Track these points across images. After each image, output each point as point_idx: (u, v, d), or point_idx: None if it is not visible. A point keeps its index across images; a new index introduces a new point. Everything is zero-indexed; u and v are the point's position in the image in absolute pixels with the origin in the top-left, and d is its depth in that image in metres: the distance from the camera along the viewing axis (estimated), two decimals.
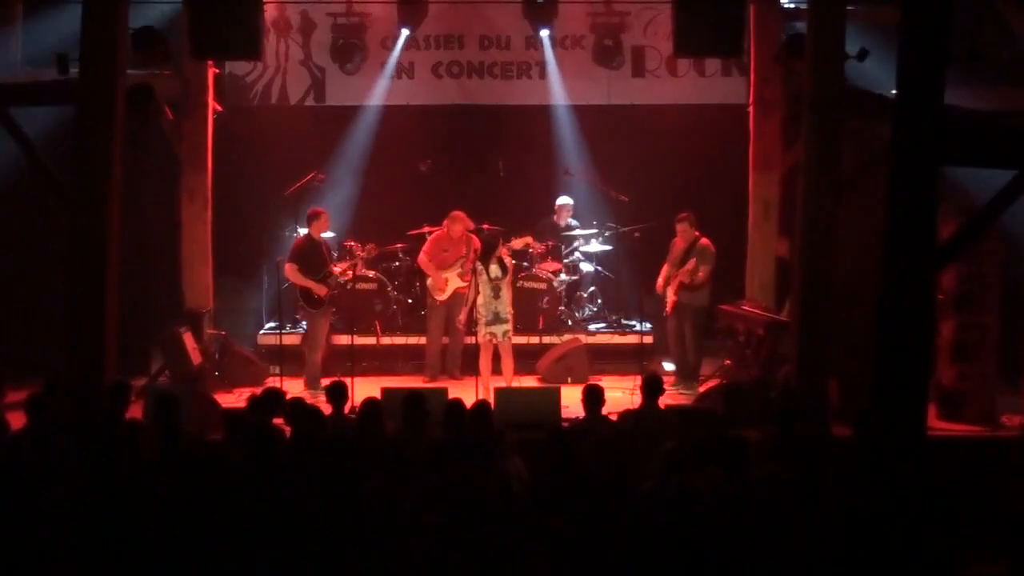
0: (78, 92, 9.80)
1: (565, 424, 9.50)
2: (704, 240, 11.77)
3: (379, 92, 13.43)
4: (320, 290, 11.58)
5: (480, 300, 11.20)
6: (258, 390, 9.78)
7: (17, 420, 8.39)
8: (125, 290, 10.36)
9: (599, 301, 13.43)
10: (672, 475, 6.84)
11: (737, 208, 12.36)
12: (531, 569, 6.69)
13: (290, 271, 11.63)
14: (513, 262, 11.58)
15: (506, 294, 11.19)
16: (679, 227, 11.87)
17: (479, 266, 11.23)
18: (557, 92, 13.44)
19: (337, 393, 8.82)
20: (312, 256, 11.66)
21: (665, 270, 11.90)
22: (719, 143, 13.02)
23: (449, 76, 13.62)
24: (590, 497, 7.29)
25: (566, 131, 13.69)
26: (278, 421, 8.61)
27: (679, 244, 11.89)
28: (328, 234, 12.17)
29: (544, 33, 13.08)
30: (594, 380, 11.49)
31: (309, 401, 9.26)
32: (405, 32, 13.10)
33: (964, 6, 7.07)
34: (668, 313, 11.83)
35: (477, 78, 13.60)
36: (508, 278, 11.24)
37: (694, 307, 11.71)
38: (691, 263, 11.59)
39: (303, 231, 12.06)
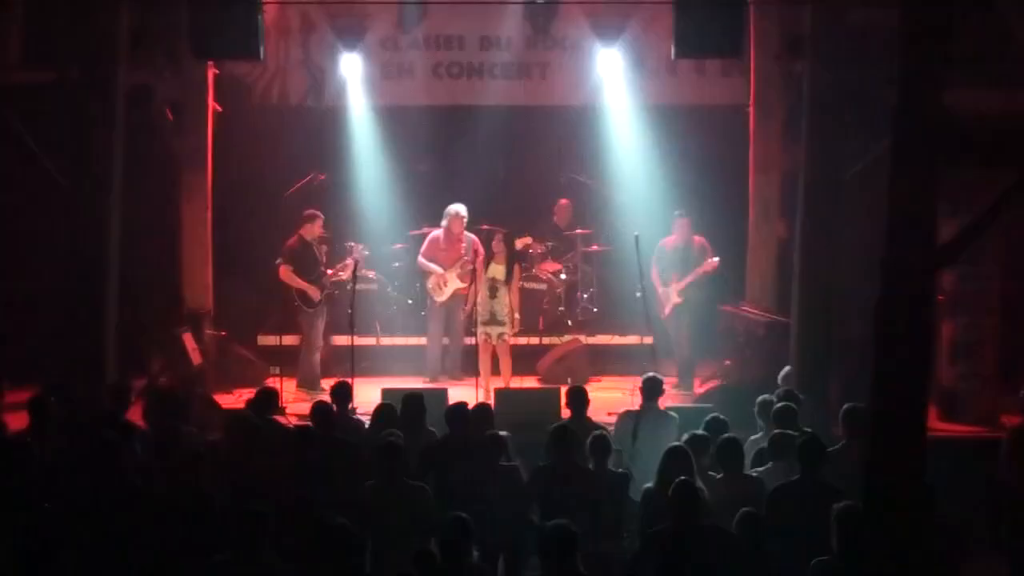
0: (78, 92, 9.80)
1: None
2: (698, 238, 11.80)
3: (379, 93, 13.42)
4: (314, 291, 11.57)
5: (480, 299, 11.20)
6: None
7: (17, 421, 8.39)
8: (125, 291, 10.35)
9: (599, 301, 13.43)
10: (671, 476, 6.85)
11: (737, 209, 12.35)
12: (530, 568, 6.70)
13: (284, 273, 11.60)
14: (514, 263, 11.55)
15: (504, 296, 11.16)
16: (680, 224, 11.85)
17: (480, 267, 11.21)
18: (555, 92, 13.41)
19: (341, 393, 8.84)
20: (305, 257, 11.65)
21: (657, 272, 11.86)
22: (719, 144, 13.00)
23: (449, 76, 13.60)
24: (589, 497, 7.31)
25: (566, 132, 13.68)
26: (279, 420, 8.63)
27: (674, 243, 11.87)
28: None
29: None
30: (594, 381, 11.55)
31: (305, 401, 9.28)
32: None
33: (964, 7, 7.05)
34: (667, 315, 11.83)
35: (477, 78, 13.59)
36: (513, 283, 11.22)
37: (692, 304, 11.71)
38: (705, 264, 11.59)
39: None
